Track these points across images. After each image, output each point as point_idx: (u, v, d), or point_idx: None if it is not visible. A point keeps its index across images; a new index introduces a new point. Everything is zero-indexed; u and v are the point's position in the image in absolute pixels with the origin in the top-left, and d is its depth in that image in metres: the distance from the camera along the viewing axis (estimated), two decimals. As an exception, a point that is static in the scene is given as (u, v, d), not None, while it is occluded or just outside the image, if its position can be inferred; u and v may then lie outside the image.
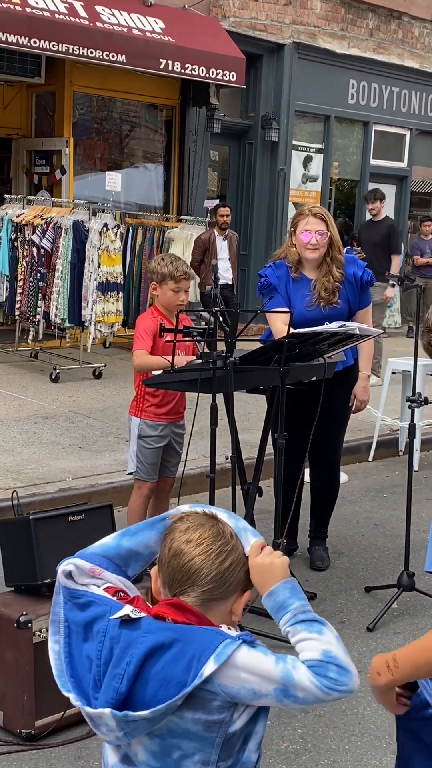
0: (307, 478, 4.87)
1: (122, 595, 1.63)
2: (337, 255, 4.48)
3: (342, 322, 3.99)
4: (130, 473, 4.55)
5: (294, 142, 13.00)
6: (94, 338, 8.75)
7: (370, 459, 7.10)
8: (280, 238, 12.31)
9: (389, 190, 14.80)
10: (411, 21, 14.15)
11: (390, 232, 9.58)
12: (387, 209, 14.59)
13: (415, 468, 6.56)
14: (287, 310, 4.20)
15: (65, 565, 1.67)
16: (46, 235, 8.70)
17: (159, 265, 4.39)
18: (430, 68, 14.54)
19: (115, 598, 1.61)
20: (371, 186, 14.21)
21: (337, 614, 4.29)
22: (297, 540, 4.98)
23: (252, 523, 4.40)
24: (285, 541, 4.45)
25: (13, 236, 9.02)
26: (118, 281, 8.69)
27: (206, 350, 3.94)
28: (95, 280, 8.54)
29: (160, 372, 3.96)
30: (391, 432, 7.36)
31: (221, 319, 3.80)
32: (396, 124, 14.41)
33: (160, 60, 10.13)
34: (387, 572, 4.77)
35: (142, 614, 1.55)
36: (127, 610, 1.55)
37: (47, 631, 3.12)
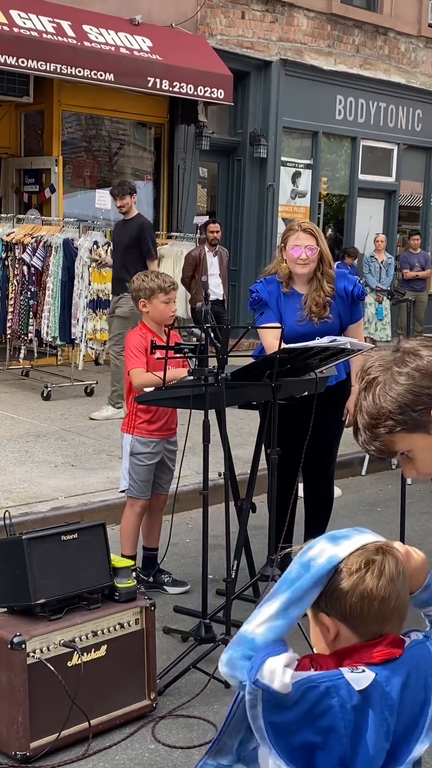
0: (301, 493, 4.86)
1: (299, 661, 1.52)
2: (328, 270, 4.49)
3: (333, 337, 4.00)
4: (123, 491, 4.54)
5: (282, 158, 13.06)
6: (84, 356, 8.74)
7: (364, 473, 7.09)
8: (270, 253, 12.35)
9: (378, 205, 14.89)
10: (397, 36, 14.27)
11: (140, 233, 7.83)
12: (375, 223, 14.76)
13: (408, 482, 6.55)
14: (278, 325, 4.20)
15: (267, 674, 1.43)
16: (37, 254, 8.71)
17: (144, 282, 4.40)
18: (417, 83, 14.65)
19: (312, 670, 1.50)
20: (360, 201, 14.31)
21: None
22: (291, 556, 4.95)
23: (246, 539, 4.40)
24: (280, 556, 4.43)
25: (4, 255, 9.03)
26: (109, 298, 8.69)
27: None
28: (86, 297, 8.54)
29: (151, 389, 3.96)
30: (383, 445, 7.35)
31: (212, 335, 3.80)
32: (383, 139, 14.50)
33: (148, 78, 10.18)
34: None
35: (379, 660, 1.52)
36: (366, 672, 1.49)
37: (41, 651, 3.11)
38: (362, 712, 1.46)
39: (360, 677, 1.48)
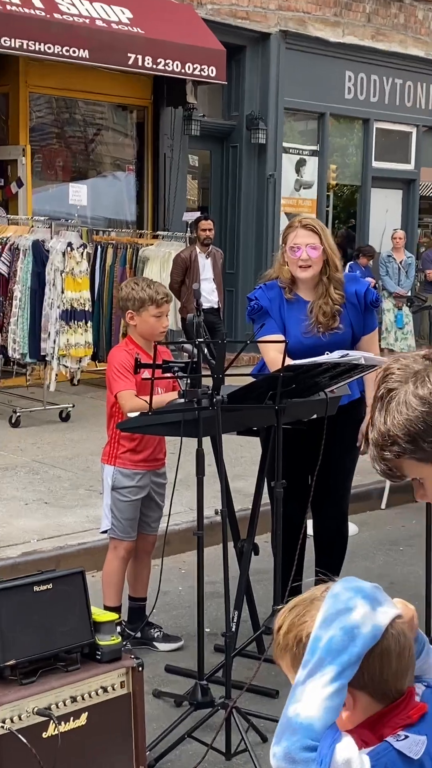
0: (310, 531, 4.87)
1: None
2: (335, 273, 4.51)
3: (345, 351, 4.02)
4: (104, 531, 4.54)
5: (284, 144, 13.15)
6: (56, 375, 8.75)
7: (383, 506, 7.10)
8: (271, 253, 12.40)
9: (395, 196, 14.98)
10: (414, 3, 14.39)
11: None
12: (392, 217, 14.83)
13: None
14: (282, 338, 4.22)
15: (342, 765, 1.46)
16: (2, 258, 8.74)
17: (134, 291, 4.41)
18: (437, 56, 14.79)
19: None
20: (375, 193, 14.40)
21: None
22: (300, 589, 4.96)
23: (248, 586, 4.40)
24: (287, 606, 4.43)
25: (-36, 260, 9.05)
26: (86, 309, 8.72)
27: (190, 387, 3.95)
28: (58, 307, 8.57)
29: (136, 414, 3.97)
30: (406, 474, 7.37)
31: (206, 350, 3.82)
32: (400, 121, 14.61)
33: (129, 55, 10.26)
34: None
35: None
36: (411, 737, 1.52)
37: (12, 721, 3.10)
38: None
39: (410, 744, 1.50)
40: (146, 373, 3.95)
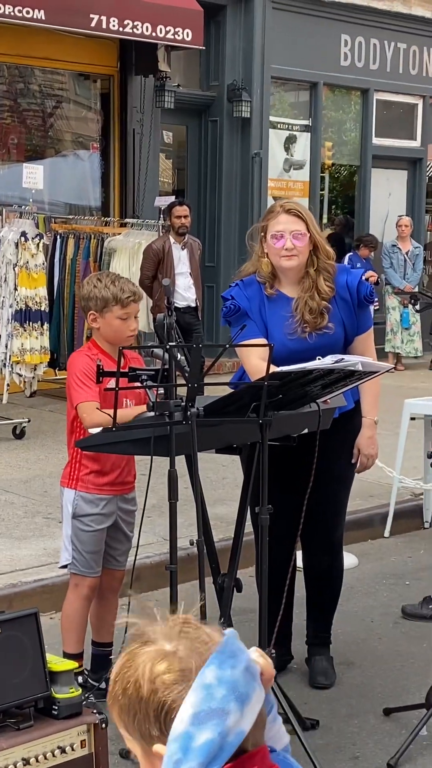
0: (300, 563, 4.87)
1: None
2: (325, 262, 4.51)
3: (339, 356, 4.02)
4: (64, 566, 4.52)
5: (271, 119, 13.19)
6: (8, 385, 8.73)
7: (387, 534, 7.11)
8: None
9: (399, 177, 15.05)
10: (418, -43, 14.49)
11: None
12: (396, 202, 14.89)
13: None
14: (266, 342, 4.22)
15: None
16: None
17: (96, 288, 4.41)
18: (446, 18, 14.88)
19: None
20: (376, 173, 14.45)
21: (348, 747, 4.26)
22: (291, 648, 4.96)
23: (229, 627, 4.39)
24: (274, 650, 4.43)
25: None
26: (42, 308, 8.70)
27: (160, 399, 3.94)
28: (11, 306, 8.55)
29: (98, 429, 3.96)
30: (412, 497, 7.38)
31: (179, 356, 3.81)
32: (404, 91, 14.69)
33: (91, 16, 10.27)
34: (412, 688, 4.75)
35: None
36: None
37: None
38: None
39: None
40: (110, 383, 3.94)
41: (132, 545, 4.52)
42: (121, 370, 3.84)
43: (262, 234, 4.53)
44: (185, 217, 10.27)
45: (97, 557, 4.46)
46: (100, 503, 4.41)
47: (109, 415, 3.87)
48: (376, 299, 4.77)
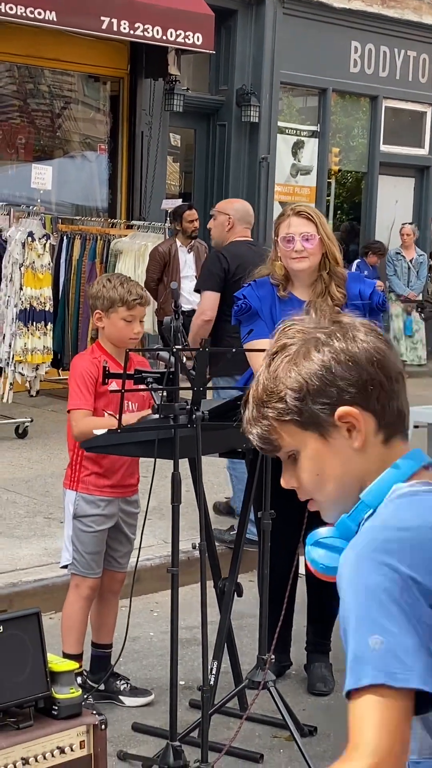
0: (302, 569, 4.87)
1: None
2: (336, 268, 4.53)
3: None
4: (65, 566, 4.53)
5: (280, 124, 13.19)
6: (11, 384, 8.72)
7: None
8: (263, 247, 12.41)
9: (406, 185, 15.05)
10: (430, -34, 14.51)
11: None
12: (402, 209, 14.89)
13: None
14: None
15: None
16: None
17: (104, 288, 4.42)
18: (456, 26, 14.88)
19: None
20: (383, 180, 14.46)
21: (346, 754, 4.25)
22: (290, 654, 4.95)
23: (229, 632, 4.39)
24: (274, 656, 4.42)
25: None
26: (47, 308, 8.70)
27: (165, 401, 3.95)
28: (15, 306, 8.55)
29: (103, 431, 3.96)
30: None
31: (184, 359, 3.82)
32: (413, 99, 14.69)
33: (103, 18, 10.27)
34: (411, 695, 4.75)
35: None
36: None
37: None
38: None
39: None
40: (114, 385, 3.95)
41: (133, 547, 4.52)
42: (127, 373, 3.84)
43: (275, 238, 4.55)
44: (196, 220, 10.26)
45: (98, 558, 4.47)
46: (101, 504, 4.41)
47: (114, 417, 3.88)
48: (388, 308, 4.78)
